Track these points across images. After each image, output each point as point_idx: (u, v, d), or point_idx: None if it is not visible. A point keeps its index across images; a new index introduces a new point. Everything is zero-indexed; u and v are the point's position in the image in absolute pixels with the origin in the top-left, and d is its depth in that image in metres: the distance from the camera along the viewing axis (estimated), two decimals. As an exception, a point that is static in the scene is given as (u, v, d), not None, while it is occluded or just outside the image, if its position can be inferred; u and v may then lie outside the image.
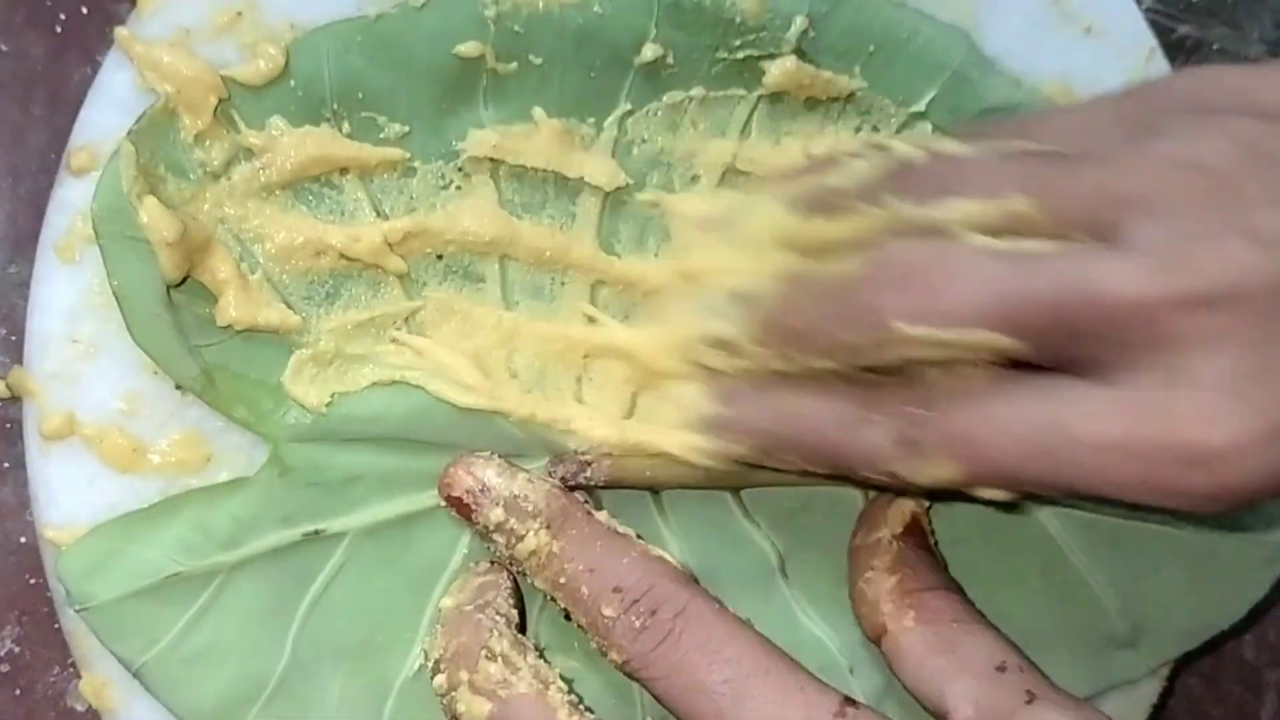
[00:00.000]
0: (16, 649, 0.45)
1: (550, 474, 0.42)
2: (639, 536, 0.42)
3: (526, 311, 0.43)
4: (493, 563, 0.42)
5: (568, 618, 0.41)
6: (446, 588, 0.43)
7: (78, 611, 0.41)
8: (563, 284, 0.43)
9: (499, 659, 0.39)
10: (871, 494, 0.45)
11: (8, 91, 0.44)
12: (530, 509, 0.40)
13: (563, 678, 0.40)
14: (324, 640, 0.42)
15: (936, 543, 0.45)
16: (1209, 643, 0.48)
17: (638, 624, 0.39)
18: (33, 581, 0.44)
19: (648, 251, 0.43)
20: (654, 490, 0.44)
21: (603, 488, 0.43)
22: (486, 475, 0.41)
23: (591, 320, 0.43)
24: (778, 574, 0.45)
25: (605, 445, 0.42)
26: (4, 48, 0.44)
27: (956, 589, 0.43)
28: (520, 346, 0.43)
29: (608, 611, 0.40)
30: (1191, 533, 0.47)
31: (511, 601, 0.41)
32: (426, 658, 0.41)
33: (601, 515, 0.41)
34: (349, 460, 0.42)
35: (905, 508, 0.44)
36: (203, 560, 0.41)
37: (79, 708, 0.45)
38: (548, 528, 0.40)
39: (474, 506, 0.41)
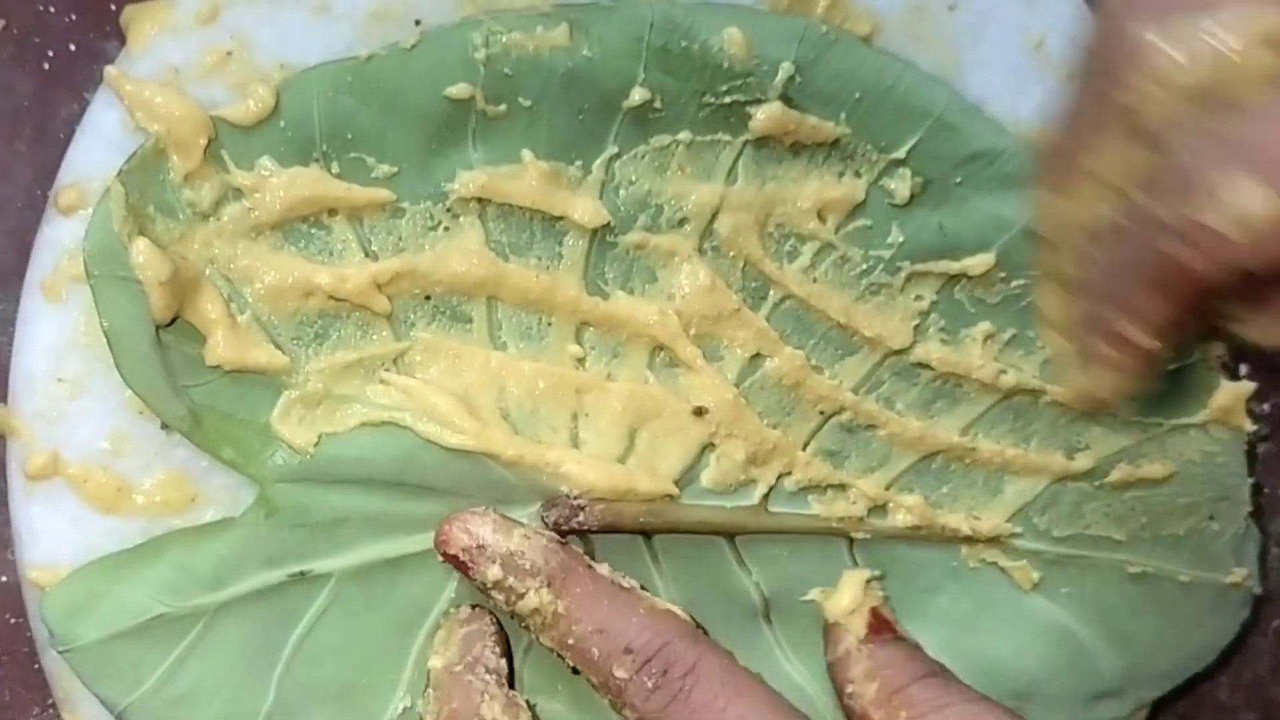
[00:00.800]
0: (-4, 689, 0.45)
1: (543, 519, 0.42)
2: (642, 587, 0.42)
3: (514, 351, 0.43)
4: (474, 607, 0.42)
5: (576, 671, 0.41)
6: (432, 631, 0.43)
7: (61, 653, 0.41)
8: (549, 324, 0.43)
9: None
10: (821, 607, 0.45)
11: (-6, 128, 0.44)
12: (528, 566, 0.40)
13: None
14: (308, 682, 0.42)
15: (904, 628, 0.45)
16: (1184, 685, 0.49)
17: (650, 684, 0.39)
18: (13, 621, 0.44)
19: (634, 293, 0.44)
20: (646, 535, 0.44)
21: (596, 532, 0.43)
22: (482, 532, 0.41)
23: (580, 361, 0.43)
24: (761, 619, 0.45)
25: (597, 490, 0.42)
26: (-10, 84, 0.44)
27: (938, 671, 0.43)
28: (511, 386, 0.43)
29: (620, 673, 0.40)
30: (1167, 576, 0.47)
31: (499, 652, 0.41)
32: None
33: (604, 569, 0.41)
34: (336, 502, 0.42)
35: (863, 606, 0.44)
36: (187, 601, 0.41)
37: (59, 749, 0.44)
38: (549, 585, 0.40)
39: (470, 564, 0.40)
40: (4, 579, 0.44)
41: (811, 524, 0.45)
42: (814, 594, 0.45)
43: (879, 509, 0.46)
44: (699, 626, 0.42)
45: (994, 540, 0.47)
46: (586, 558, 0.42)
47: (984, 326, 0.45)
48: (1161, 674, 0.48)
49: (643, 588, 0.42)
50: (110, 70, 0.41)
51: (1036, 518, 0.47)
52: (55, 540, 0.42)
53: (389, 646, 0.43)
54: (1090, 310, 0.37)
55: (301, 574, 0.42)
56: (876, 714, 0.42)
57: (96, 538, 0.42)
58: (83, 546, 0.42)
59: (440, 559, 0.41)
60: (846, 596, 0.44)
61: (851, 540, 0.46)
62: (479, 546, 0.40)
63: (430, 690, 0.41)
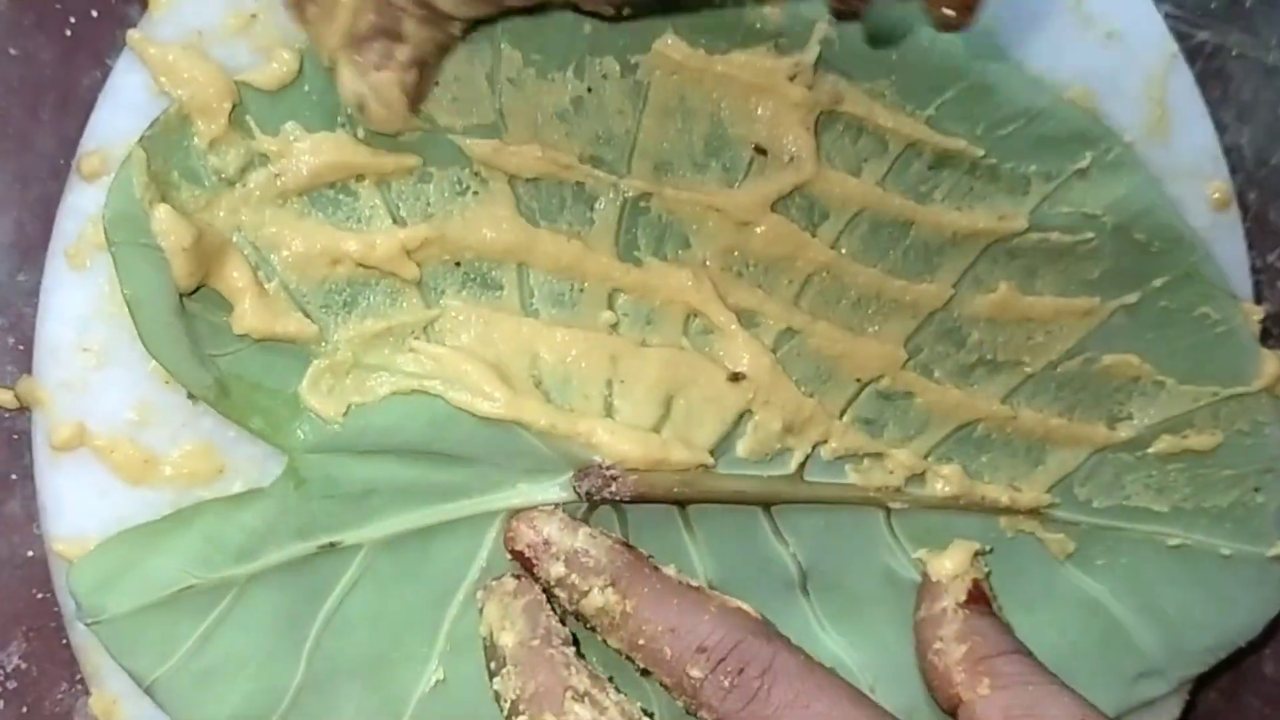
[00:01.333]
0: (23, 665, 0.44)
1: (575, 489, 0.42)
2: (712, 586, 0.41)
3: (546, 318, 0.42)
4: (518, 577, 0.41)
5: (645, 673, 0.41)
6: (464, 601, 0.42)
7: (89, 625, 0.40)
8: (581, 290, 0.42)
9: (585, 699, 0.39)
10: (924, 565, 0.45)
11: (16, 96, 0.44)
12: (592, 565, 0.40)
13: (644, 710, 0.40)
14: (339, 655, 0.42)
15: (1000, 607, 0.44)
16: (1229, 658, 0.48)
17: (726, 683, 0.39)
18: (40, 596, 0.44)
19: (666, 258, 0.43)
20: (681, 504, 0.43)
21: (629, 502, 0.42)
22: (549, 529, 0.41)
23: (613, 328, 0.42)
24: (798, 590, 0.44)
25: (630, 460, 0.42)
26: (13, 51, 0.43)
27: (1025, 651, 0.43)
28: (543, 353, 0.42)
29: (694, 672, 0.39)
30: (1207, 549, 0.47)
31: (557, 618, 0.41)
32: (500, 699, 0.40)
33: (670, 570, 0.41)
34: (366, 472, 0.41)
35: (966, 575, 0.44)
36: (217, 573, 0.41)
37: (86, 725, 0.44)
38: (613, 585, 0.40)
39: (535, 561, 0.41)
40: (30, 553, 0.44)
41: (848, 494, 0.44)
42: (920, 553, 0.45)
43: (917, 478, 0.45)
44: (768, 622, 0.41)
45: (1033, 511, 0.46)
46: (653, 560, 0.41)
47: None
48: (1203, 649, 0.47)
49: (712, 587, 0.41)
50: (133, 34, 0.40)
51: (1077, 488, 0.46)
52: (82, 512, 0.41)
53: (421, 618, 0.42)
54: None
55: (331, 545, 0.41)
56: (959, 675, 0.42)
57: (124, 509, 0.41)
58: (110, 518, 0.41)
59: (508, 556, 0.41)
60: (953, 560, 0.44)
61: (889, 510, 0.45)
62: (544, 543, 0.41)
63: (509, 668, 0.40)
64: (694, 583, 0.41)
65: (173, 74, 0.40)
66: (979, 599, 0.44)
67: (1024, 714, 0.40)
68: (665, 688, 0.40)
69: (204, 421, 0.42)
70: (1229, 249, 0.47)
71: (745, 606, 0.41)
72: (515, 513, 0.42)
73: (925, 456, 0.45)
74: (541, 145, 0.41)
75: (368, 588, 0.42)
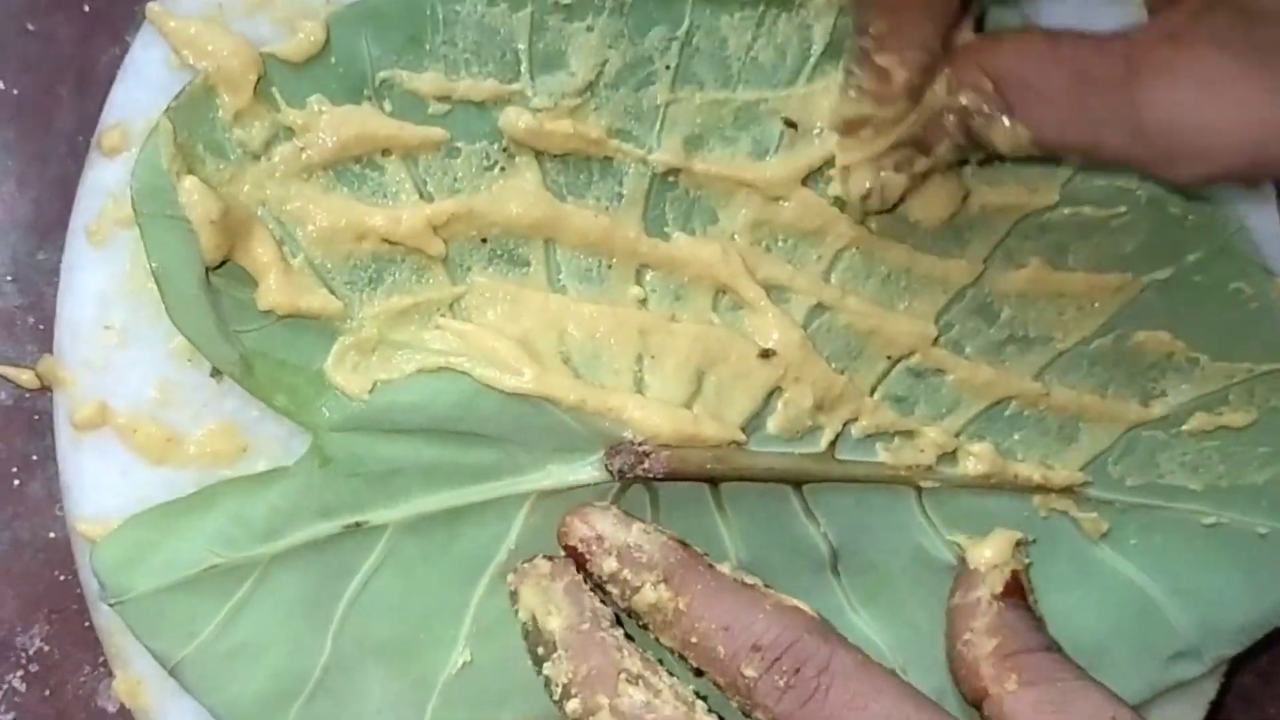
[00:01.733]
0: (46, 647, 0.44)
1: (607, 466, 0.41)
2: (767, 585, 0.41)
3: (574, 294, 0.42)
4: (550, 559, 0.41)
5: (699, 673, 0.40)
6: (492, 584, 0.42)
7: (112, 605, 0.40)
8: (609, 266, 0.42)
9: (638, 681, 0.38)
10: (964, 552, 0.44)
11: (35, 73, 0.43)
12: (645, 560, 0.40)
13: (697, 694, 0.39)
14: (365, 636, 0.41)
15: (1036, 600, 0.44)
16: (1265, 640, 0.47)
17: (782, 683, 0.38)
18: (62, 578, 0.43)
19: (695, 233, 0.42)
20: (713, 483, 0.42)
21: (661, 480, 0.42)
22: (602, 524, 0.40)
23: (641, 304, 0.42)
24: (829, 570, 0.44)
25: (662, 436, 0.41)
26: (31, 28, 0.43)
27: (1056, 648, 0.42)
28: (572, 329, 0.41)
29: (749, 671, 0.39)
30: (1243, 527, 0.46)
31: (599, 599, 0.40)
32: (550, 684, 0.39)
33: (725, 567, 0.40)
34: (391, 451, 0.41)
35: (1005, 566, 0.43)
36: (241, 552, 0.40)
37: (110, 708, 0.44)
38: (666, 581, 0.39)
39: (587, 556, 0.40)
40: (51, 535, 0.43)
41: (879, 472, 0.44)
42: (960, 539, 0.44)
43: (948, 457, 0.44)
44: (825, 621, 0.40)
45: (1066, 490, 0.45)
46: (707, 557, 0.41)
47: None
48: (1238, 628, 0.47)
49: (768, 586, 0.41)
50: (153, 7, 0.40)
51: (1111, 466, 0.46)
52: (105, 491, 0.41)
53: (448, 600, 0.42)
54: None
55: (356, 525, 0.41)
56: (987, 669, 0.41)
57: (146, 489, 0.41)
58: (133, 498, 0.41)
59: (562, 551, 0.41)
60: (992, 549, 0.43)
61: (920, 490, 0.44)
62: (597, 538, 0.40)
63: (560, 653, 0.39)
64: (749, 580, 0.40)
65: (196, 46, 0.39)
66: (1015, 591, 0.43)
67: (1054, 710, 0.40)
68: (718, 687, 0.40)
69: (227, 400, 0.41)
70: (1263, 224, 0.46)
71: (801, 605, 0.40)
72: (545, 494, 0.41)
73: (957, 435, 0.44)
74: (571, 120, 0.41)
75: (393, 569, 0.41)
